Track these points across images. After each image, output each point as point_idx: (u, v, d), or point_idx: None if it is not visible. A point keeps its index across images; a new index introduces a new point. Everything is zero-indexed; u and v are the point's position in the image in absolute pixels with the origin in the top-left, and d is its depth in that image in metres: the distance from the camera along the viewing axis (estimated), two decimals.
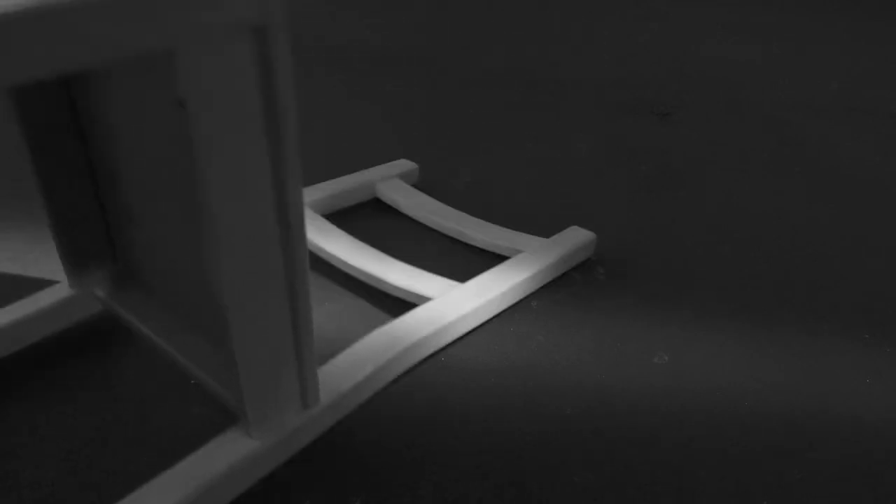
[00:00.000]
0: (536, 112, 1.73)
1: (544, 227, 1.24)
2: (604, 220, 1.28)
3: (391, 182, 1.29)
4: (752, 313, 1.06)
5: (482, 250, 1.16)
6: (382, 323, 0.99)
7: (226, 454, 0.72)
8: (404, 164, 1.35)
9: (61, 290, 0.89)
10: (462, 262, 1.13)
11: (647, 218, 1.29)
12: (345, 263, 1.05)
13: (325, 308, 1.02)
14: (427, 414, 0.86)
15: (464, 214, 1.21)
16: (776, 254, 1.20)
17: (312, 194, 1.21)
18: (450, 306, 0.96)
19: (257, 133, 0.58)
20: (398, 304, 1.03)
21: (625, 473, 0.79)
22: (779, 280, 1.13)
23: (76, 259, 0.86)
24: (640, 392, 0.90)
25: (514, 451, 0.81)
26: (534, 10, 2.54)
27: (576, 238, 1.13)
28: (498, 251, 1.13)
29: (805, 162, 1.53)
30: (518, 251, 1.10)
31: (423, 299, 0.98)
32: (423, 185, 1.37)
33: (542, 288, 1.08)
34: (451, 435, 0.83)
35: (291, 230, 0.64)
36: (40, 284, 1.02)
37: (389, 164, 1.35)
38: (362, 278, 1.04)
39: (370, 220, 1.24)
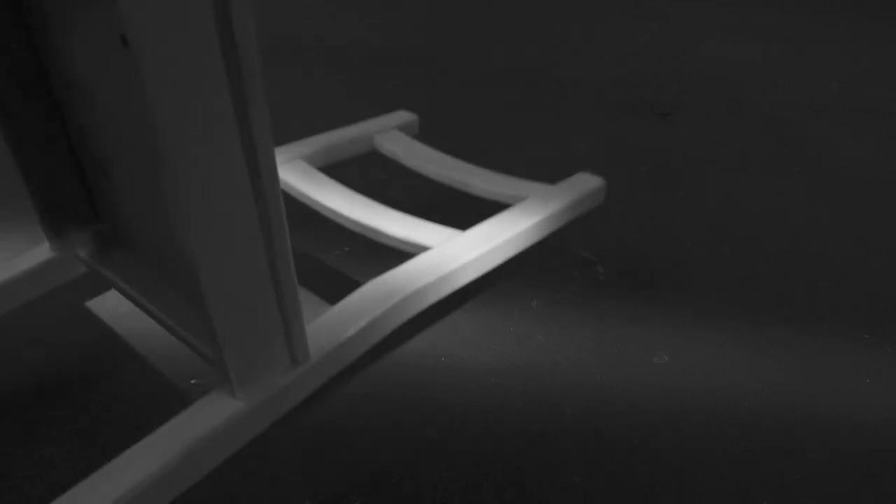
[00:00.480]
0: (536, 112, 1.73)
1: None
2: (604, 219, 1.28)
3: (389, 133, 1.24)
4: (752, 313, 1.06)
5: (487, 200, 1.12)
6: (378, 274, 0.95)
7: (209, 417, 0.68)
8: (403, 116, 1.29)
9: (42, 252, 0.86)
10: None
11: (647, 218, 1.29)
12: (340, 215, 1.01)
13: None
14: (427, 414, 0.86)
15: (467, 164, 1.15)
16: (776, 254, 1.20)
17: (307, 147, 1.17)
18: (450, 255, 0.91)
19: (214, 71, 0.52)
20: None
21: (625, 473, 0.79)
22: (779, 280, 1.13)
23: (55, 220, 0.83)
24: (640, 392, 0.90)
25: (514, 451, 0.81)
26: (534, 10, 2.54)
27: (584, 184, 1.08)
28: (503, 199, 1.09)
29: (805, 162, 1.53)
30: (523, 199, 1.05)
31: (423, 249, 0.94)
32: (423, 185, 1.36)
33: (541, 288, 1.08)
34: (451, 435, 0.83)
35: (262, 178, 0.59)
36: None
37: (387, 115, 1.29)
38: (358, 230, 1.00)
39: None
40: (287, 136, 1.55)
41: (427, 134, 1.58)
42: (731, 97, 1.85)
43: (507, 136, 1.59)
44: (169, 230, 0.70)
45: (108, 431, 0.81)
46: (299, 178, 1.08)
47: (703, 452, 0.82)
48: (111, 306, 0.98)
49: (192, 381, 0.88)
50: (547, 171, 1.44)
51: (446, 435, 0.83)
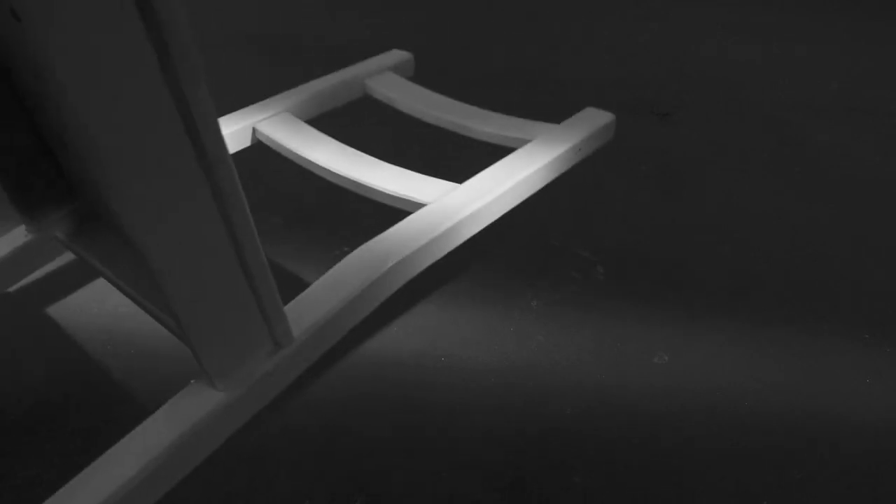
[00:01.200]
0: (536, 112, 1.73)
1: (544, 227, 1.24)
2: (604, 219, 1.28)
3: (383, 77, 1.14)
4: (752, 313, 1.06)
5: (491, 144, 1.04)
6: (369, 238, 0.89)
7: (189, 412, 0.63)
8: (397, 55, 1.20)
9: (18, 236, 0.81)
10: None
11: (647, 218, 1.29)
12: (329, 171, 0.94)
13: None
14: (427, 414, 0.86)
15: (468, 106, 1.07)
16: (776, 254, 1.20)
17: (293, 97, 1.09)
18: (445, 212, 0.84)
19: (131, 39, 0.45)
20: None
21: (625, 473, 0.79)
22: (779, 280, 1.13)
23: (28, 201, 0.78)
24: (640, 392, 0.90)
25: (514, 451, 0.81)
26: (534, 10, 2.54)
27: (591, 121, 1.00)
28: (506, 143, 1.01)
29: (805, 162, 1.53)
30: (526, 141, 0.98)
31: (416, 206, 0.87)
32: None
33: (541, 288, 1.08)
34: (451, 435, 0.83)
35: (208, 155, 0.52)
36: None
37: (379, 56, 1.19)
38: (349, 186, 0.93)
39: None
40: None
41: (427, 135, 1.58)
42: (731, 97, 1.85)
43: None
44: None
45: (107, 431, 0.81)
46: (285, 132, 1.00)
47: (703, 452, 0.82)
48: (111, 306, 0.98)
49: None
50: None
51: (446, 435, 0.83)
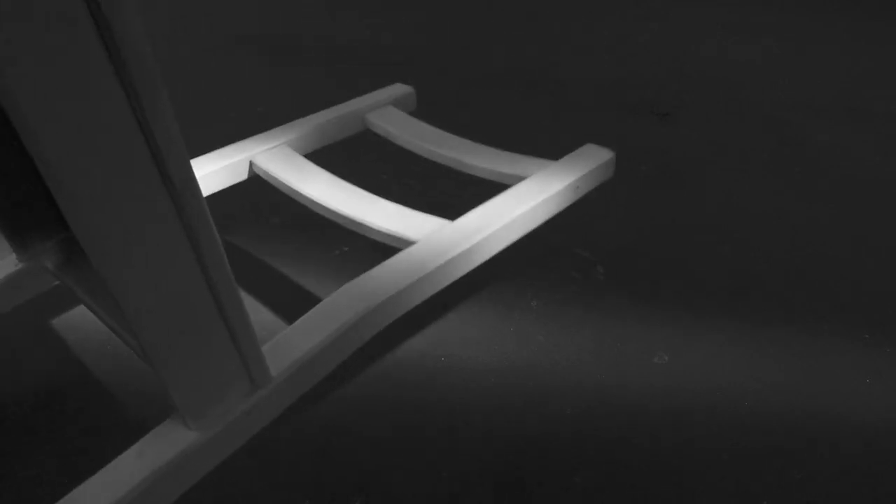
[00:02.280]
0: (537, 112, 1.73)
1: (544, 227, 1.24)
2: (604, 219, 1.28)
3: (383, 111, 1.13)
4: (752, 313, 1.06)
5: (487, 180, 1.03)
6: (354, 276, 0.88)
7: (161, 450, 0.62)
8: (398, 89, 1.18)
9: (7, 264, 0.81)
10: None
11: (647, 218, 1.29)
12: (323, 207, 0.93)
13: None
14: (427, 414, 0.86)
15: (464, 141, 1.06)
16: (776, 254, 1.20)
17: (291, 130, 1.08)
18: (433, 251, 0.82)
19: (91, 65, 0.43)
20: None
21: (625, 473, 0.79)
22: (779, 280, 1.13)
23: (19, 230, 0.78)
24: (640, 392, 0.90)
25: (514, 451, 0.81)
26: (534, 10, 2.54)
27: (590, 158, 0.98)
28: (502, 180, 1.00)
29: (805, 162, 1.53)
30: (523, 178, 0.97)
31: (407, 243, 0.86)
32: (424, 185, 1.36)
33: (541, 288, 1.08)
34: (451, 435, 0.83)
35: (175, 183, 0.50)
36: None
37: (381, 90, 1.18)
38: (341, 222, 0.92)
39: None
40: None
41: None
42: (731, 97, 1.85)
43: (507, 136, 1.59)
44: None
45: (107, 432, 0.81)
46: (281, 165, 1.00)
47: (703, 452, 0.82)
48: None
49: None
50: None
51: (446, 435, 0.83)
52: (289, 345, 0.70)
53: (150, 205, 0.51)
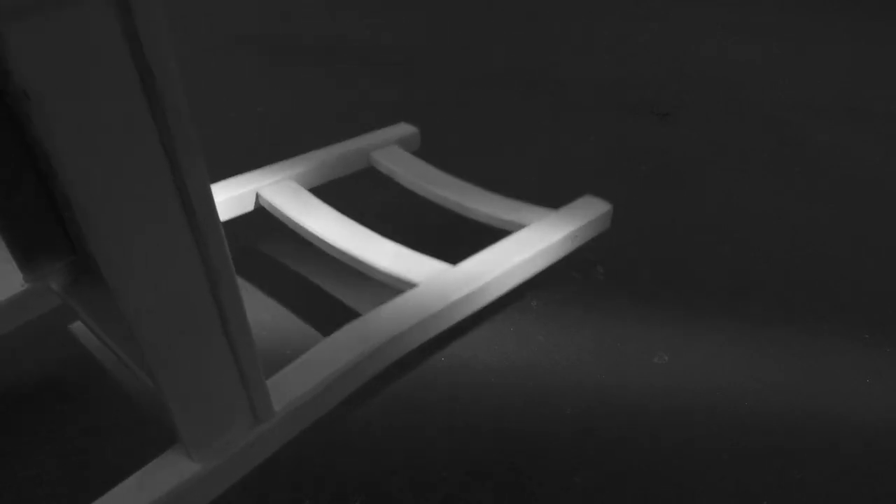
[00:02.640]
0: (537, 112, 1.73)
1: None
2: None
3: (388, 150, 1.15)
4: (752, 313, 1.06)
5: (487, 225, 1.06)
6: (358, 315, 0.92)
7: (162, 480, 0.62)
8: (403, 129, 1.20)
9: (13, 284, 0.82)
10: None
11: (647, 218, 1.29)
12: (326, 243, 0.94)
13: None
14: (427, 414, 0.86)
15: (467, 185, 1.08)
16: (776, 254, 1.20)
17: (300, 165, 1.10)
18: (435, 295, 0.84)
19: (135, 118, 0.47)
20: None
21: (625, 473, 0.79)
22: (779, 280, 1.13)
23: (26, 250, 0.79)
24: (640, 392, 0.90)
25: (516, 452, 0.81)
26: (533, 10, 2.54)
27: (588, 210, 1.00)
28: (502, 226, 1.02)
29: (805, 162, 1.53)
30: (523, 226, 0.99)
31: (409, 285, 0.87)
32: None
33: (541, 288, 1.08)
34: (450, 435, 0.83)
35: (201, 228, 0.53)
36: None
37: (386, 129, 1.20)
38: (344, 260, 0.93)
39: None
40: (286, 137, 1.55)
41: (426, 135, 1.58)
42: (731, 97, 1.85)
43: (506, 136, 1.59)
44: None
45: (107, 431, 0.81)
46: (287, 200, 1.02)
47: (703, 452, 0.82)
48: None
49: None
50: (547, 173, 1.44)
51: (446, 435, 0.83)
52: (291, 381, 0.72)
53: (175, 245, 0.53)
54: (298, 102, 1.72)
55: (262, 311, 1.01)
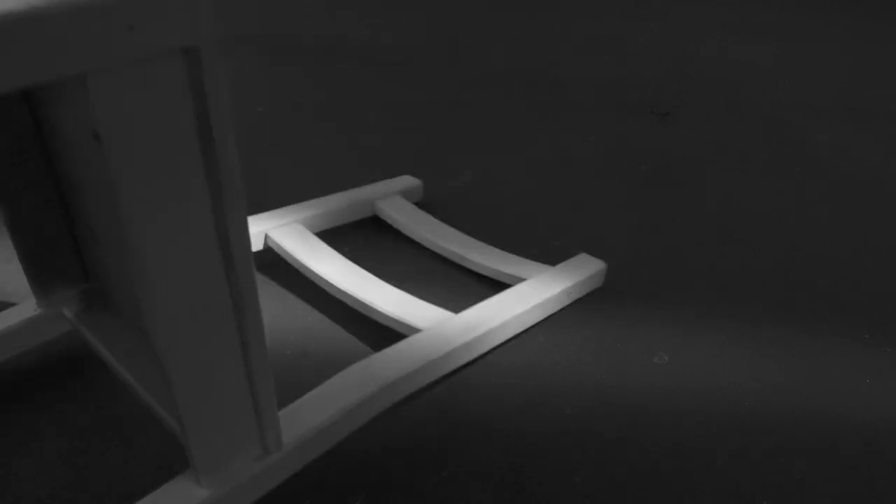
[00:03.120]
0: (536, 112, 1.73)
1: (545, 228, 1.24)
2: (604, 220, 1.28)
3: (391, 200, 1.23)
4: (752, 313, 1.06)
5: (485, 276, 1.11)
6: (364, 356, 0.95)
7: None
8: (407, 181, 1.29)
9: (27, 309, 0.85)
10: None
11: (647, 218, 1.29)
12: (332, 287, 0.99)
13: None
14: (426, 414, 0.86)
15: (467, 237, 1.14)
16: (776, 254, 1.20)
17: (307, 210, 1.15)
18: (437, 341, 0.89)
19: (189, 169, 0.52)
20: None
21: (625, 473, 0.79)
22: (778, 280, 1.13)
23: (42, 277, 0.82)
24: (640, 392, 0.90)
25: (516, 451, 0.81)
26: (534, 10, 2.54)
27: (584, 268, 1.07)
28: (501, 279, 1.08)
29: (805, 162, 1.53)
30: (521, 279, 1.04)
31: (413, 330, 0.92)
32: (425, 185, 1.36)
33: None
34: (450, 435, 0.83)
35: (236, 270, 0.57)
36: (9, 306, 1.02)
37: (391, 180, 1.29)
38: (349, 303, 0.98)
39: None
40: (286, 137, 1.55)
41: (427, 134, 1.58)
42: (731, 97, 1.85)
43: (507, 136, 1.59)
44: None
45: (107, 431, 0.81)
46: (294, 242, 1.07)
47: (703, 452, 0.82)
48: None
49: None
50: (546, 173, 1.44)
51: (445, 435, 0.83)
52: (300, 416, 0.75)
53: (210, 283, 0.57)
54: (298, 103, 1.72)
55: (264, 315, 1.01)
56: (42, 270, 0.82)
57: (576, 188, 1.38)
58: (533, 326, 1.00)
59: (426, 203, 1.31)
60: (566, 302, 1.05)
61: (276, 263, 1.12)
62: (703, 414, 0.88)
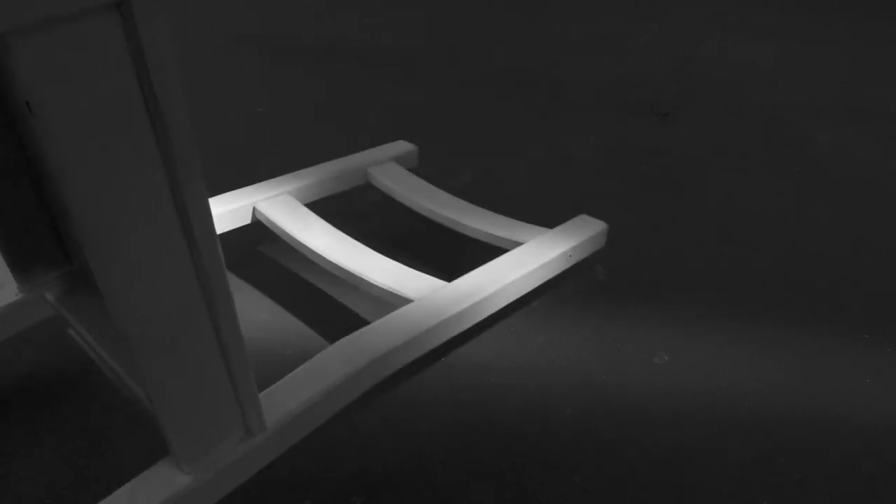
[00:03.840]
0: (537, 112, 1.73)
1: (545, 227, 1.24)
2: (604, 219, 1.28)
3: (385, 166, 1.17)
4: (752, 313, 1.06)
5: (482, 242, 1.07)
6: (352, 330, 0.92)
7: (152, 492, 0.62)
8: (401, 146, 1.23)
9: (8, 294, 0.83)
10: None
11: (646, 218, 1.29)
12: (322, 259, 0.95)
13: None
14: (427, 413, 0.86)
15: (462, 202, 1.10)
16: (776, 254, 1.20)
17: (297, 180, 1.11)
18: (429, 311, 0.85)
19: (136, 137, 0.48)
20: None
21: (625, 473, 0.79)
22: (779, 280, 1.13)
23: (22, 261, 0.80)
24: (640, 392, 0.90)
25: (515, 451, 0.81)
26: (534, 10, 2.54)
27: (583, 229, 1.02)
28: (497, 244, 1.04)
29: (805, 162, 1.53)
30: (518, 243, 1.00)
31: (404, 301, 0.89)
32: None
33: (542, 288, 1.08)
34: (450, 434, 0.83)
35: (199, 247, 0.54)
36: None
37: (384, 146, 1.23)
38: (340, 275, 0.95)
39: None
40: (286, 137, 1.55)
41: (428, 134, 1.58)
42: (731, 97, 1.85)
43: (507, 136, 1.59)
44: None
45: (107, 431, 0.81)
46: (283, 214, 1.03)
47: (703, 452, 0.82)
48: None
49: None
50: (546, 173, 1.44)
51: (445, 435, 0.83)
52: (284, 396, 0.72)
53: (171, 259, 0.54)
54: (298, 103, 1.72)
55: (261, 311, 1.01)
56: (22, 254, 0.80)
57: (576, 188, 1.38)
58: (533, 326, 1.00)
59: None
60: (566, 265, 1.00)
61: (273, 260, 1.12)
62: (703, 414, 0.88)
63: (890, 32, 2.41)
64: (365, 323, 0.98)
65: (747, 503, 0.76)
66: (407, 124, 1.62)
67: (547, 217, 1.27)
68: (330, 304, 1.03)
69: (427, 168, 1.43)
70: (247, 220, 1.07)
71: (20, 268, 0.81)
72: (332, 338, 0.97)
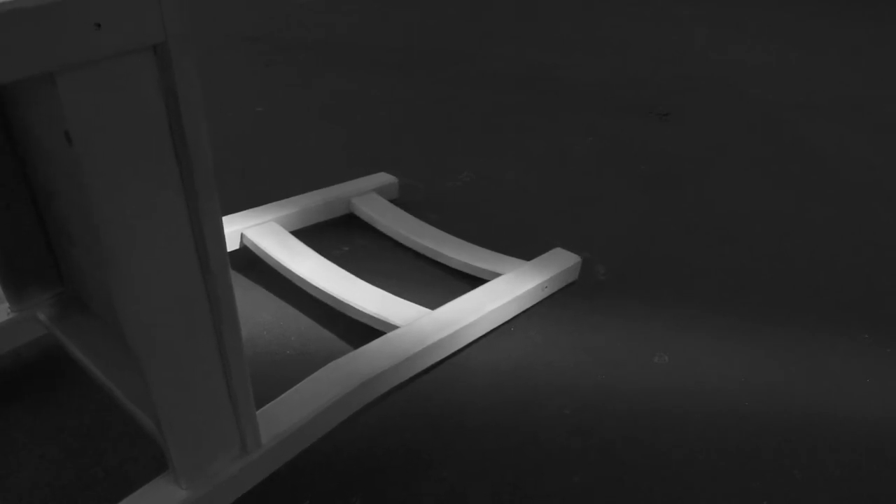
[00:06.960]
0: (536, 112, 1.73)
1: (544, 228, 1.24)
2: (604, 219, 1.28)
3: (367, 197, 1.22)
4: (753, 313, 1.06)
5: (460, 272, 1.11)
6: (342, 353, 0.95)
7: None
8: (382, 178, 1.28)
9: (0, 313, 0.84)
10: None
11: (646, 218, 1.29)
12: (310, 285, 0.99)
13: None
14: (426, 413, 0.86)
15: (442, 233, 1.14)
16: (776, 254, 1.20)
17: (283, 209, 1.15)
18: (414, 337, 0.89)
19: (162, 168, 0.51)
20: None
21: (624, 473, 0.79)
22: (779, 280, 1.13)
23: (15, 281, 0.81)
24: (640, 392, 0.90)
25: (514, 451, 0.81)
26: (534, 10, 2.54)
27: (558, 262, 1.07)
28: (476, 274, 1.08)
29: (805, 162, 1.53)
30: (497, 274, 1.05)
31: (390, 327, 0.93)
32: (425, 185, 1.36)
33: None
34: (450, 434, 0.83)
35: (212, 270, 0.57)
36: None
37: (366, 177, 1.28)
38: (327, 301, 0.98)
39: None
40: (285, 137, 1.55)
41: (427, 133, 1.58)
42: (731, 97, 1.85)
43: (507, 136, 1.59)
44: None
45: (107, 431, 0.81)
46: (270, 242, 1.06)
47: (703, 452, 0.82)
48: None
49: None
50: (546, 173, 1.44)
51: (445, 435, 0.83)
52: (278, 415, 0.75)
53: (185, 280, 0.57)
54: (297, 103, 1.72)
55: (262, 312, 1.01)
56: (15, 274, 0.81)
57: (576, 188, 1.38)
58: (533, 326, 1.00)
59: (425, 202, 1.31)
60: (542, 296, 1.05)
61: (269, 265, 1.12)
62: (703, 414, 0.88)
63: (890, 32, 2.41)
64: (361, 324, 0.98)
65: (747, 503, 0.76)
66: (406, 124, 1.62)
67: (547, 217, 1.27)
68: (329, 306, 1.03)
69: (427, 168, 1.43)
70: (235, 246, 1.10)
71: (13, 287, 0.82)
72: (332, 338, 0.97)
